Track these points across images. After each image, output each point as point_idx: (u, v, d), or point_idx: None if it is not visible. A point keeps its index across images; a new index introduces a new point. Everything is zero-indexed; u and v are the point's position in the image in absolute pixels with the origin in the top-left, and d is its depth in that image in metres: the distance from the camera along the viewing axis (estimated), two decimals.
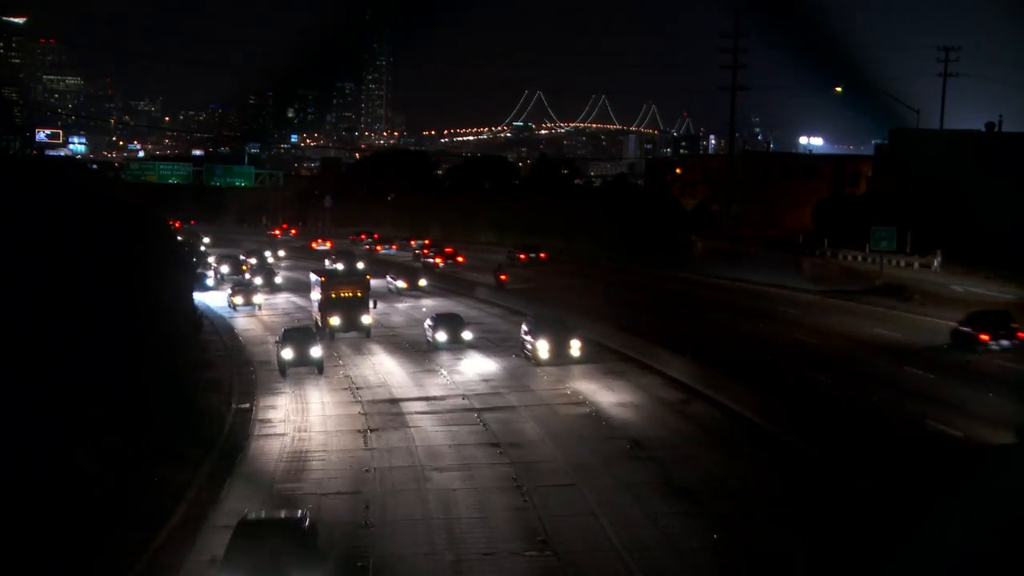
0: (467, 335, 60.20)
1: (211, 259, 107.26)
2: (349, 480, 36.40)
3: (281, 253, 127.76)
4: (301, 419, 45.56)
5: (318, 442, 41.56)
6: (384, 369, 55.59)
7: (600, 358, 55.08)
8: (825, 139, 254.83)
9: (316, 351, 53.57)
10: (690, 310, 68.46)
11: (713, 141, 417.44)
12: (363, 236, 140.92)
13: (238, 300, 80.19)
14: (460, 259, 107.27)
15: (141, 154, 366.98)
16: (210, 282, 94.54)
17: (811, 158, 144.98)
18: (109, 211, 51.18)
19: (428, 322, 62.18)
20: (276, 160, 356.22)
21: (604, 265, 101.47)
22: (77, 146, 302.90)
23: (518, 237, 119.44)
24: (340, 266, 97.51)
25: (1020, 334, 51.44)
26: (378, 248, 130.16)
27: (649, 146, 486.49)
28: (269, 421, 45.34)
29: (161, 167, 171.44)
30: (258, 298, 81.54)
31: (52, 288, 37.08)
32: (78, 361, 35.23)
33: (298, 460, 39.08)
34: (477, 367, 55.35)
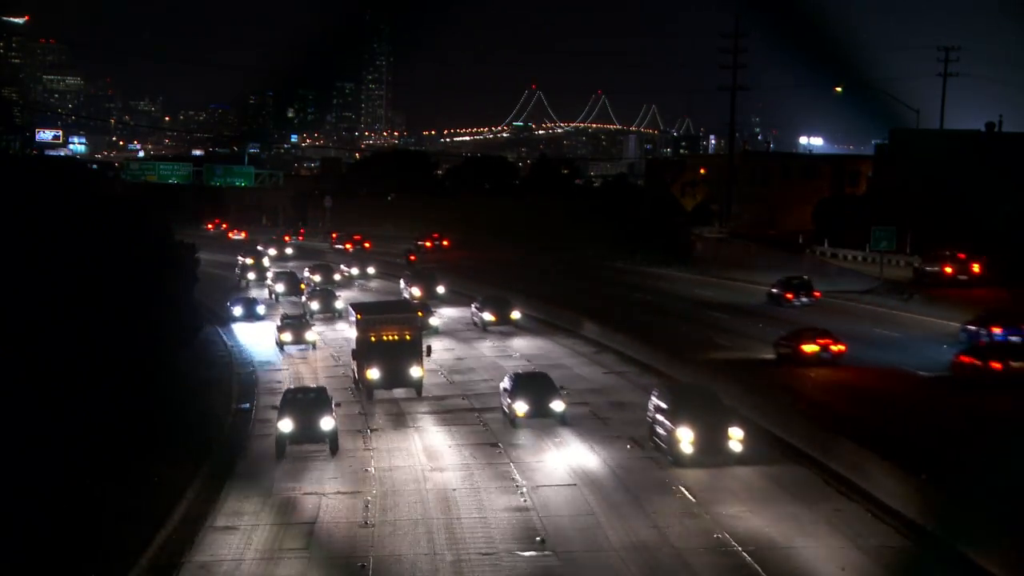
0: (558, 406, 43.07)
1: (268, 275, 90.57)
2: (349, 480, 36.42)
3: (289, 251, 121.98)
4: None
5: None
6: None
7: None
8: (825, 139, 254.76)
9: (327, 422, 39.78)
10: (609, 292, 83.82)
11: (713, 141, 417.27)
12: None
13: (286, 337, 63.07)
14: (367, 245, 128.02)
15: (141, 154, 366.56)
16: (262, 309, 75.72)
17: (811, 158, 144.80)
18: (108, 211, 51.09)
19: (505, 384, 45.08)
20: (276, 160, 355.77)
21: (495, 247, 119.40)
22: (77, 146, 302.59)
23: (517, 237, 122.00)
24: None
25: (816, 294, 71.40)
26: (300, 237, 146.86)
27: (649, 146, 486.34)
28: (269, 421, 45.33)
29: (161, 167, 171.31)
30: (311, 334, 63.64)
31: (51, 288, 37.08)
32: (77, 361, 35.23)
33: (298, 460, 39.06)
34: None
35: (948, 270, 76.12)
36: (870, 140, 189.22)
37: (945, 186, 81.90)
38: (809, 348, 50.95)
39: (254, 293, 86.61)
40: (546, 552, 29.19)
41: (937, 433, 38.11)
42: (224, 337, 67.69)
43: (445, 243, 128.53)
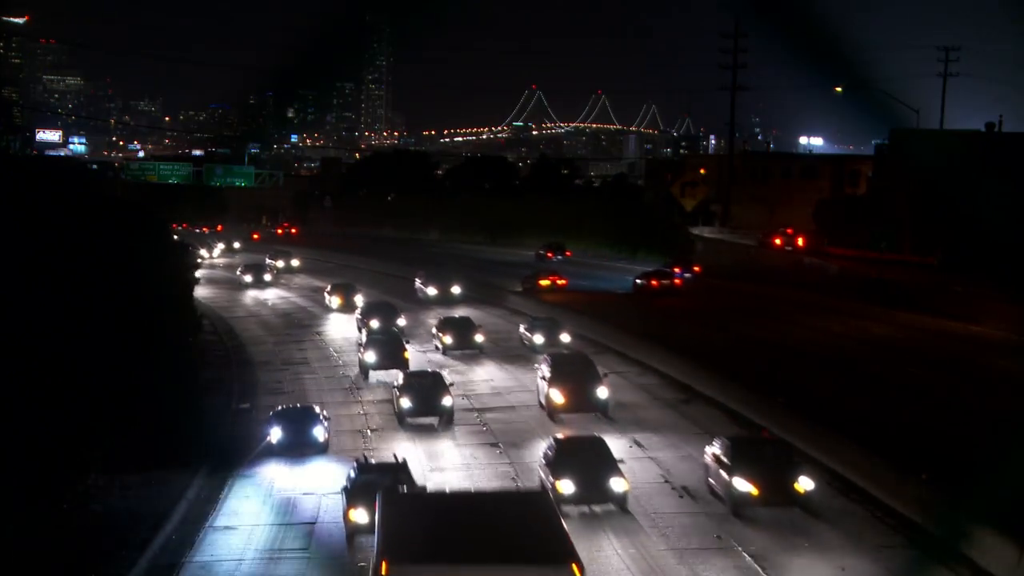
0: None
1: (357, 311, 69.07)
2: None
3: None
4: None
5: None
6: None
7: None
8: (825, 139, 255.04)
9: (447, 400, 42.79)
10: None
11: (713, 141, 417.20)
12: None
13: (369, 358, 52.16)
14: (294, 231, 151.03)
15: (141, 154, 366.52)
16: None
17: (811, 158, 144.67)
18: (106, 211, 51.10)
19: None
20: (276, 160, 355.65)
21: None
22: (77, 146, 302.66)
23: (517, 237, 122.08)
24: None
25: (568, 253, 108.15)
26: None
27: (649, 146, 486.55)
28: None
29: (161, 167, 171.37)
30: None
31: (50, 288, 37.06)
32: (77, 361, 35.22)
33: (298, 460, 39.07)
34: None
35: (777, 242, 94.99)
36: (870, 140, 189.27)
37: (945, 186, 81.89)
38: (544, 283, 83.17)
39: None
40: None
41: (629, 315, 65.92)
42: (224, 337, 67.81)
43: (293, 231, 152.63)
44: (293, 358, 60.31)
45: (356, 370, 54.44)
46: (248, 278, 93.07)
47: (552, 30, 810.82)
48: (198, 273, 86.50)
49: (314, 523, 32.03)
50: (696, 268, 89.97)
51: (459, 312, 69.11)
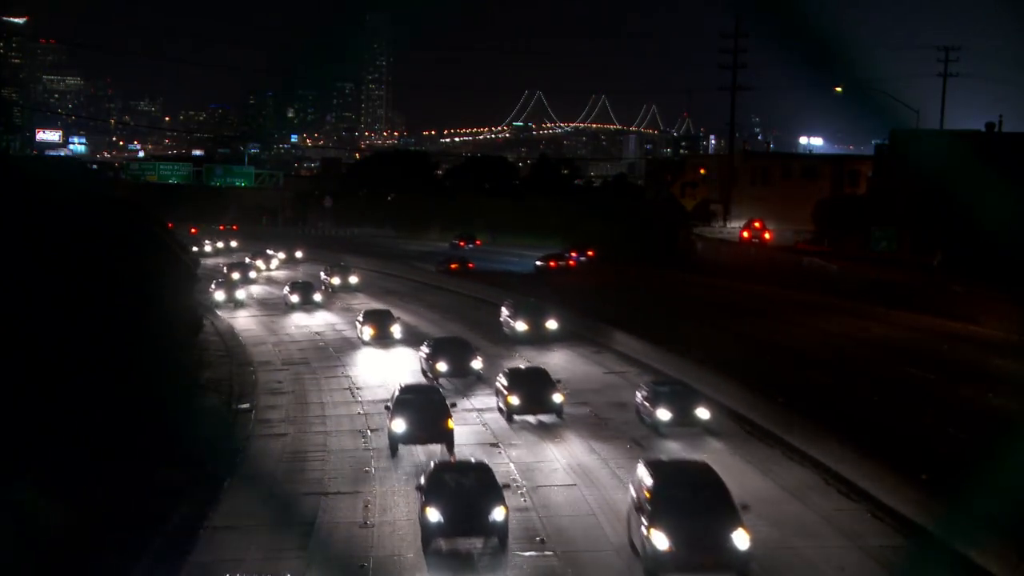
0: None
1: (422, 348, 54.65)
2: (349, 480, 36.44)
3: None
4: (301, 417, 45.60)
5: (318, 442, 41.57)
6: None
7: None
8: (825, 139, 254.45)
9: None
10: None
11: (713, 141, 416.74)
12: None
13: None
14: (193, 230, 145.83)
15: (141, 154, 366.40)
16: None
17: (811, 158, 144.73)
18: (105, 211, 51.17)
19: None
20: (276, 160, 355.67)
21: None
22: (77, 146, 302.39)
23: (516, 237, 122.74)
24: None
25: (478, 243, 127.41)
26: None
27: (649, 146, 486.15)
28: (269, 421, 45.34)
29: (161, 167, 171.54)
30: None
31: (50, 288, 37.07)
32: (77, 362, 35.21)
33: (298, 460, 39.07)
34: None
35: (745, 235, 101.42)
36: (870, 140, 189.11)
37: (945, 186, 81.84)
38: (453, 266, 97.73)
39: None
40: (546, 552, 29.17)
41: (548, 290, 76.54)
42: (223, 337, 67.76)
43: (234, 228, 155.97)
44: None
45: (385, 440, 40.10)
46: (295, 298, 79.08)
47: (552, 30, 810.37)
48: (242, 295, 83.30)
49: (314, 523, 32.00)
50: (590, 252, 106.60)
51: (551, 356, 57.42)
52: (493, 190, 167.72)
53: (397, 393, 39.77)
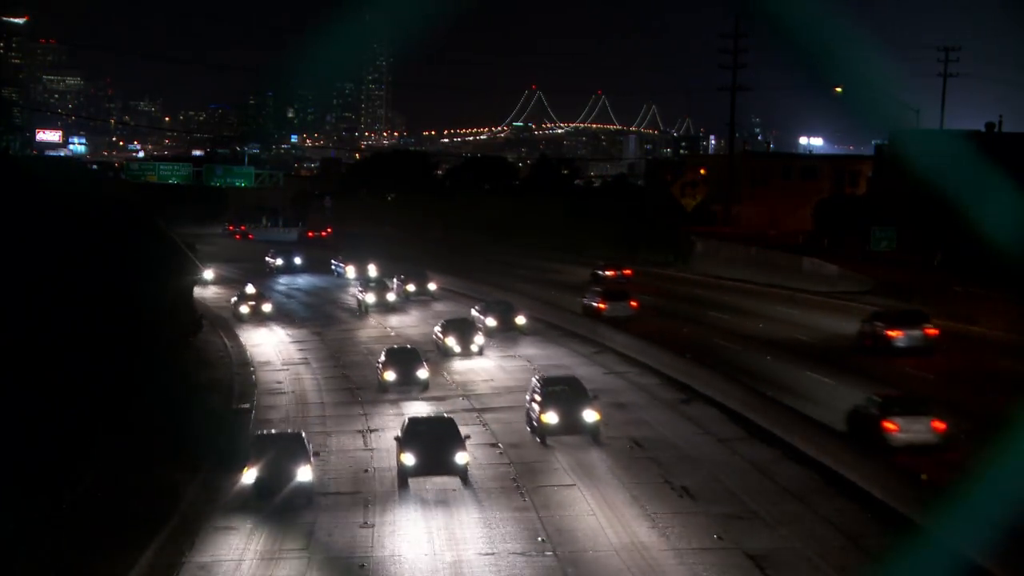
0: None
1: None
2: (349, 480, 36.43)
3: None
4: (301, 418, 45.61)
5: (317, 442, 41.58)
6: None
7: None
8: (825, 139, 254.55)
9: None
10: None
11: (713, 141, 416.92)
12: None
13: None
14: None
15: (141, 154, 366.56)
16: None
17: (811, 158, 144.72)
18: (105, 212, 51.11)
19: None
20: (276, 160, 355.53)
21: None
22: (77, 146, 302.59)
23: (517, 237, 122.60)
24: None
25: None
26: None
27: (649, 146, 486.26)
28: (269, 422, 45.34)
29: (161, 167, 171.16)
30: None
31: (49, 288, 37.07)
32: (76, 361, 35.22)
33: None
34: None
35: None
36: (870, 140, 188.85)
37: (945, 186, 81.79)
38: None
39: None
40: (546, 552, 29.18)
41: None
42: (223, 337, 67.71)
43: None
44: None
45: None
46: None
47: (552, 30, 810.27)
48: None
49: (314, 523, 32.01)
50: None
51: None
52: (493, 190, 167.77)
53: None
